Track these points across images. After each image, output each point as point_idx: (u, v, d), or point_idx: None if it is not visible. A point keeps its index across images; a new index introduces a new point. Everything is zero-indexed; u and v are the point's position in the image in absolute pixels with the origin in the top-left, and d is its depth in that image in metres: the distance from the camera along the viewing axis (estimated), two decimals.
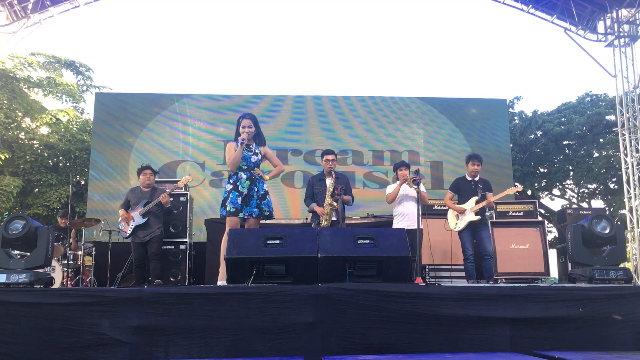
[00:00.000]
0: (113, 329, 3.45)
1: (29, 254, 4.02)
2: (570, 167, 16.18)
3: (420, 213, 5.42)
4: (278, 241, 3.89)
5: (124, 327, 3.45)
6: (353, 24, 38.12)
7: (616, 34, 10.76)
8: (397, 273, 3.93)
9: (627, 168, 10.63)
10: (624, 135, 10.75)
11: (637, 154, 10.53)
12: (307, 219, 6.61)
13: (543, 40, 43.83)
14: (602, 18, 11.03)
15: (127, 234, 6.01)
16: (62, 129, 13.52)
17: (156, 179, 6.69)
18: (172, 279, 6.87)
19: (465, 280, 6.08)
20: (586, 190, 16.92)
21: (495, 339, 3.57)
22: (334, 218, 5.67)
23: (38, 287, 3.82)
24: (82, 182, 12.83)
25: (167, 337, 3.45)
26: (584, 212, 8.23)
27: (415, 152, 10.41)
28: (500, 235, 7.31)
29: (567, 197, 17.63)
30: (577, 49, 11.06)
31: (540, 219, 8.08)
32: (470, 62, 37.08)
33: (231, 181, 4.81)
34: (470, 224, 5.90)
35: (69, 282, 6.52)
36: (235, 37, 37.15)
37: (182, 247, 7.06)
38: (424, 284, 3.98)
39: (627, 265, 10.34)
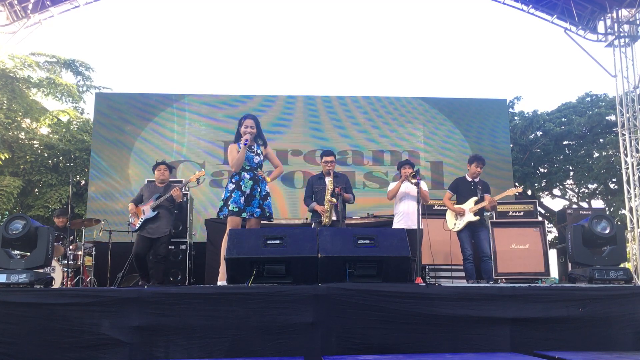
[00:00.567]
0: (113, 329, 3.45)
1: (29, 254, 4.02)
2: (571, 167, 16.19)
3: (420, 213, 5.42)
4: (278, 241, 3.89)
5: (124, 327, 3.45)
6: (353, 24, 38.14)
7: (616, 34, 10.76)
8: (397, 273, 3.94)
9: (627, 168, 10.63)
10: (624, 135, 10.75)
11: (637, 154, 10.53)
12: (307, 219, 6.61)
13: (543, 40, 43.84)
14: (602, 18, 11.03)
15: (136, 227, 5.86)
16: (63, 129, 13.52)
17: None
18: (172, 279, 6.88)
19: (465, 280, 6.08)
20: (586, 190, 16.92)
21: (495, 339, 3.57)
22: (334, 217, 5.67)
23: (38, 287, 3.82)
24: (82, 183, 12.83)
25: (167, 337, 3.45)
26: (584, 212, 8.23)
27: (415, 152, 10.41)
28: (500, 236, 7.31)
29: (567, 197, 17.63)
30: (577, 49, 11.09)
31: (540, 219, 8.08)
32: (470, 62, 37.10)
33: (234, 180, 4.81)
34: (469, 225, 5.90)
35: (69, 282, 6.52)
36: (235, 37, 37.17)
37: (182, 247, 7.07)
38: (424, 284, 3.98)
39: (627, 265, 10.34)
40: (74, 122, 14.18)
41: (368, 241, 3.94)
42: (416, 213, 5.76)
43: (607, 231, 4.15)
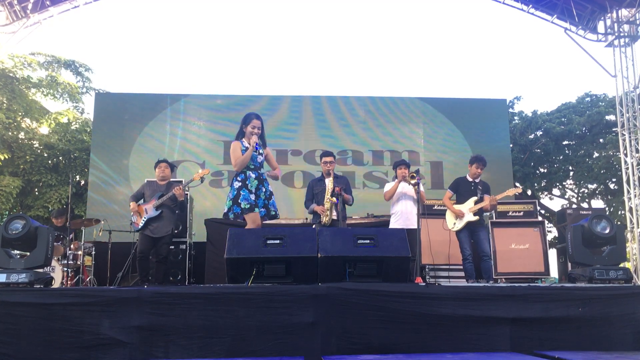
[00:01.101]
0: (113, 328, 3.45)
1: (28, 253, 4.01)
2: (570, 167, 16.19)
3: (420, 212, 5.43)
4: (278, 241, 3.89)
5: (123, 327, 3.45)
6: (353, 24, 38.13)
7: (616, 34, 10.76)
8: (397, 273, 3.94)
9: (627, 168, 10.63)
10: (624, 135, 10.76)
11: (637, 154, 10.53)
12: (307, 219, 6.61)
13: (543, 40, 43.85)
14: (602, 18, 11.03)
15: (139, 227, 5.80)
16: (62, 130, 13.50)
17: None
18: (172, 279, 6.87)
19: (464, 280, 6.08)
20: (586, 190, 16.92)
21: (495, 339, 3.57)
22: (334, 217, 5.67)
23: (38, 287, 3.82)
24: (82, 183, 12.82)
25: (167, 337, 3.45)
26: (584, 212, 8.22)
27: (415, 152, 10.42)
28: (500, 235, 7.31)
29: (567, 197, 17.64)
30: (577, 49, 11.08)
31: (540, 219, 8.08)
32: (470, 62, 37.10)
33: (239, 179, 4.79)
34: (469, 224, 5.90)
35: (68, 282, 6.52)
36: (235, 37, 37.16)
37: (182, 247, 7.06)
38: (424, 284, 3.98)
39: (627, 265, 10.34)
40: (74, 123, 14.18)
41: (368, 241, 3.94)
42: (413, 213, 5.78)
43: (607, 231, 4.15)
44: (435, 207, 7.48)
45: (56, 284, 5.89)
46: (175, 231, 6.30)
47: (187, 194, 7.10)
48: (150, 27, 42.16)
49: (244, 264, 3.80)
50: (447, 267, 6.87)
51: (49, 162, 12.86)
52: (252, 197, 4.72)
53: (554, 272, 8.26)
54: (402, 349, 3.50)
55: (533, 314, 3.61)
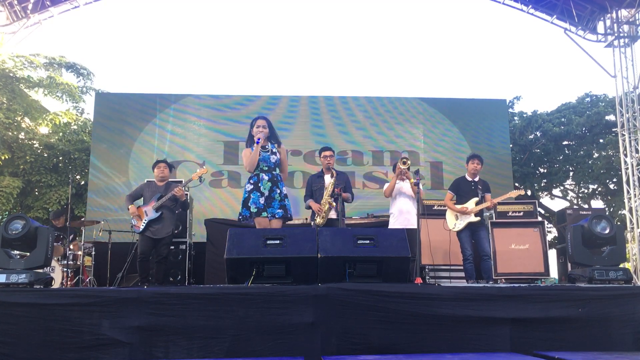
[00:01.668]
0: (113, 329, 3.44)
1: (28, 254, 4.01)
2: (570, 168, 16.19)
3: (419, 213, 5.43)
4: (278, 241, 3.88)
5: (123, 327, 3.45)
6: (353, 24, 38.13)
7: (616, 35, 10.76)
8: (397, 273, 3.94)
9: (627, 168, 10.64)
10: (623, 135, 10.76)
11: (637, 155, 10.54)
12: (307, 219, 6.61)
13: (543, 41, 43.85)
14: (601, 18, 11.04)
15: (140, 229, 5.79)
16: (62, 129, 13.50)
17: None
18: (171, 279, 6.87)
19: (464, 280, 6.09)
20: (586, 191, 16.93)
21: (495, 339, 3.57)
22: (334, 216, 5.67)
23: (38, 287, 3.81)
24: (82, 183, 12.82)
25: (167, 337, 3.45)
26: (584, 213, 8.23)
27: (414, 152, 10.42)
28: (500, 236, 7.31)
29: (567, 197, 17.64)
30: (577, 49, 11.09)
31: (540, 219, 8.09)
32: (470, 62, 37.11)
33: (252, 181, 4.74)
34: (470, 225, 5.91)
35: (68, 282, 6.52)
36: (235, 38, 37.16)
37: (182, 247, 7.06)
38: (424, 284, 3.98)
39: (627, 265, 10.35)
40: (73, 124, 14.17)
41: (368, 241, 3.94)
42: (411, 212, 5.78)
43: (607, 231, 4.15)
44: (435, 207, 7.48)
45: (56, 285, 5.89)
46: (175, 231, 6.29)
47: (187, 194, 7.09)
48: (150, 28, 42.18)
49: (244, 264, 3.80)
50: (448, 267, 6.87)
51: (49, 162, 12.86)
52: (262, 200, 4.65)
53: (553, 273, 8.27)
54: (402, 349, 3.49)
55: (533, 315, 3.61)
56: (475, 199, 5.96)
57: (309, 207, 5.84)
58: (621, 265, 4.26)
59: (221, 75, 36.94)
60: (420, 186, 5.91)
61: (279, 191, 4.75)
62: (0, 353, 3.41)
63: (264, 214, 4.64)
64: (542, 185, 16.81)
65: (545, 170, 16.44)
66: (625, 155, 10.70)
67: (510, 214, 7.77)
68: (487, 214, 6.41)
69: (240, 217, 4.76)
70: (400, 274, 3.96)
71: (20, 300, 3.53)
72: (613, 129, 13.70)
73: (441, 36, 40.65)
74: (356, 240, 3.93)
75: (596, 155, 15.68)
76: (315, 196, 5.83)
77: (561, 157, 16.15)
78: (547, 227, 12.22)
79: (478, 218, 5.90)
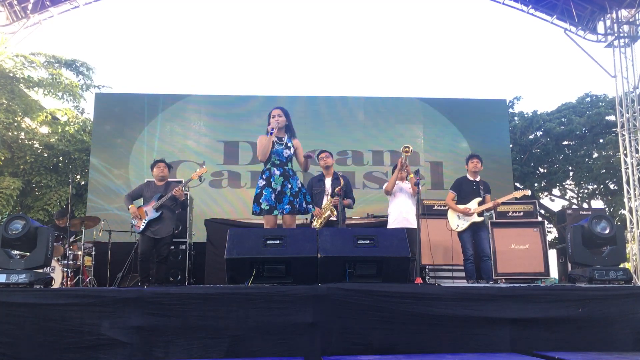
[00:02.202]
0: (113, 329, 3.44)
1: (28, 254, 4.01)
2: (570, 168, 16.19)
3: (419, 213, 5.43)
4: (278, 241, 3.88)
5: (123, 327, 3.45)
6: (353, 24, 38.12)
7: (616, 35, 10.76)
8: (397, 273, 3.94)
9: (627, 168, 10.63)
10: (623, 135, 10.76)
11: (636, 155, 10.54)
12: (307, 219, 6.61)
13: (543, 41, 43.85)
14: (602, 18, 11.04)
15: (140, 229, 5.77)
16: (61, 128, 13.48)
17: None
18: (171, 279, 6.87)
19: (465, 280, 6.08)
20: (586, 191, 16.93)
21: (495, 339, 3.57)
22: (333, 218, 5.67)
23: (38, 287, 3.81)
24: (82, 183, 12.82)
25: (167, 338, 3.45)
26: (584, 213, 8.23)
27: (414, 152, 10.39)
28: (500, 236, 7.30)
29: (567, 197, 17.64)
30: (577, 49, 11.09)
31: (540, 219, 8.09)
32: (470, 62, 37.11)
33: (264, 177, 4.66)
34: (472, 225, 5.90)
35: (68, 282, 6.52)
36: (235, 38, 37.17)
37: (182, 247, 7.06)
38: (424, 284, 3.98)
39: (627, 265, 10.34)
40: (73, 123, 14.16)
41: (368, 241, 3.94)
42: (410, 212, 5.78)
43: (607, 231, 4.15)
44: (436, 208, 7.47)
45: (56, 285, 5.89)
46: (175, 231, 6.29)
47: (187, 194, 7.09)
48: (150, 28, 42.19)
49: (244, 264, 3.80)
50: (448, 267, 6.87)
51: (49, 162, 12.85)
52: (273, 196, 4.56)
53: (553, 273, 8.26)
54: (402, 349, 3.49)
55: (533, 315, 3.61)
56: (478, 199, 5.95)
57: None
58: (621, 265, 4.26)
59: (221, 75, 36.95)
60: (407, 184, 5.93)
61: (290, 186, 4.63)
62: (0, 353, 3.41)
63: (275, 212, 4.55)
64: (542, 185, 16.82)
65: (545, 170, 16.45)
66: (625, 155, 10.70)
67: (510, 214, 7.77)
68: (487, 214, 6.41)
69: (252, 213, 4.67)
70: (400, 274, 3.96)
71: (20, 300, 3.53)
72: (613, 129, 13.70)
73: (441, 36, 40.68)
74: (356, 240, 3.93)
75: (596, 155, 15.69)
76: (315, 200, 5.82)
77: (561, 157, 16.16)
78: (547, 227, 12.22)
79: (481, 218, 5.91)
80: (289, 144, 4.75)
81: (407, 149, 5.74)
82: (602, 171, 15.02)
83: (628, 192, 10.59)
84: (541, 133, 15.83)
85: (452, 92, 34.75)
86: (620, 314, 3.66)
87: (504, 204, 7.59)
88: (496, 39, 42.20)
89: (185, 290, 3.68)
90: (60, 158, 13.18)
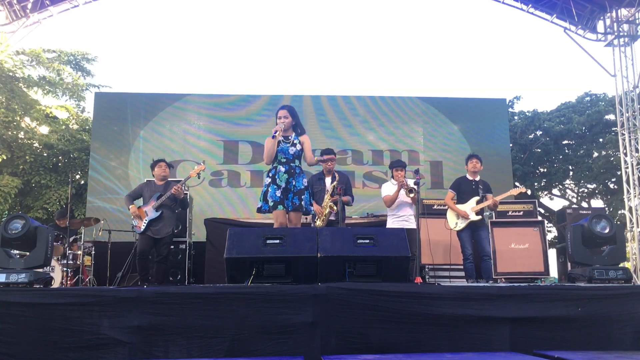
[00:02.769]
0: (113, 328, 3.44)
1: (28, 253, 4.01)
2: (570, 167, 16.19)
3: (419, 212, 5.43)
4: (278, 241, 3.89)
5: (123, 327, 3.45)
6: (353, 24, 38.14)
7: (616, 34, 10.75)
8: (397, 273, 3.94)
9: (627, 168, 10.63)
10: (623, 134, 10.75)
11: (636, 154, 10.53)
12: (306, 218, 6.61)
13: (543, 40, 43.86)
14: (601, 17, 11.02)
15: (142, 229, 5.77)
16: (61, 127, 13.48)
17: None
18: (171, 279, 6.87)
19: (464, 280, 6.08)
20: (586, 190, 16.93)
21: (495, 339, 3.57)
22: (332, 218, 5.67)
23: (37, 286, 3.81)
24: (82, 182, 12.81)
25: (166, 337, 3.45)
26: (584, 212, 8.22)
27: (414, 151, 10.42)
28: (500, 235, 7.30)
29: (566, 196, 17.64)
30: (577, 48, 11.07)
31: (539, 218, 8.08)
32: (470, 62, 37.11)
33: (270, 174, 4.69)
34: (470, 224, 5.90)
35: (68, 282, 6.52)
36: (235, 37, 37.15)
37: (181, 246, 7.06)
38: (423, 284, 3.98)
39: (627, 264, 10.34)
40: (73, 120, 14.15)
41: (367, 241, 3.94)
42: (411, 215, 5.78)
43: (607, 231, 4.15)
44: (435, 207, 7.47)
45: (56, 284, 5.89)
46: (175, 231, 6.29)
47: (186, 193, 7.09)
48: (149, 27, 42.17)
49: (244, 263, 3.80)
50: (448, 266, 6.87)
51: (49, 162, 12.84)
52: (279, 193, 4.58)
53: (553, 272, 8.27)
54: (402, 349, 3.49)
55: (533, 314, 3.61)
56: (476, 198, 5.95)
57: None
58: (621, 265, 4.26)
59: (221, 75, 36.94)
60: (420, 186, 5.93)
61: (294, 183, 4.65)
62: (0, 353, 3.41)
63: (280, 207, 4.57)
64: (542, 184, 16.82)
65: (545, 170, 16.44)
66: (625, 155, 10.69)
67: (510, 213, 7.77)
68: (487, 213, 6.41)
69: (261, 211, 4.69)
70: (400, 274, 3.96)
71: (20, 300, 3.53)
72: (613, 128, 13.70)
73: (441, 36, 40.67)
74: (356, 240, 3.93)
75: (596, 154, 15.68)
76: (315, 198, 5.82)
77: (561, 157, 16.16)
78: (547, 227, 12.23)
79: (479, 217, 5.90)
80: (295, 141, 4.74)
81: (412, 189, 5.69)
82: (602, 170, 15.02)
83: (628, 191, 10.59)
84: (541, 132, 15.82)
85: (452, 91, 34.79)
86: (620, 314, 3.66)
87: (503, 203, 7.62)
88: (496, 38, 42.21)
89: (185, 289, 3.68)
90: (60, 157, 13.17)
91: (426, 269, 6.92)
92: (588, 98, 16.31)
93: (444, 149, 10.48)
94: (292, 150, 4.71)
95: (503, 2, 11.11)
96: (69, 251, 6.69)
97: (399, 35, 38.43)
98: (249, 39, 39.28)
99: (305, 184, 4.77)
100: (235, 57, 39.65)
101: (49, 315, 3.48)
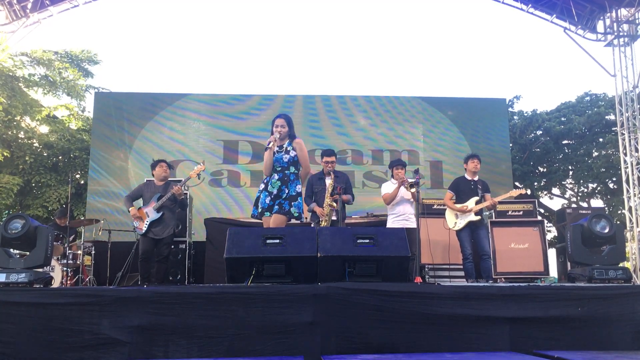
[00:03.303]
0: (112, 328, 3.44)
1: (28, 253, 4.01)
2: (570, 167, 16.19)
3: (419, 212, 5.43)
4: (278, 241, 3.88)
5: (123, 326, 3.45)
6: (353, 24, 38.14)
7: (615, 34, 10.75)
8: (397, 272, 3.94)
9: (627, 167, 10.63)
10: (623, 134, 10.76)
11: (636, 154, 10.53)
12: (306, 218, 6.61)
13: (543, 40, 43.87)
14: (601, 17, 11.03)
15: (143, 231, 5.78)
16: (62, 127, 13.48)
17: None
18: (171, 279, 6.87)
19: (464, 279, 6.09)
20: (585, 190, 16.92)
21: (494, 339, 3.57)
22: (333, 218, 5.67)
23: (37, 286, 3.81)
24: (82, 182, 12.82)
25: (166, 337, 3.45)
26: (584, 212, 8.22)
27: (414, 151, 10.42)
28: (500, 235, 7.30)
29: (566, 196, 17.64)
30: (577, 48, 11.07)
31: (539, 218, 8.08)
32: (470, 61, 37.11)
33: (264, 181, 4.78)
34: (470, 224, 5.90)
35: (68, 282, 6.52)
36: (235, 37, 37.14)
37: (182, 246, 7.06)
38: (423, 283, 3.98)
39: (627, 264, 10.34)
40: (75, 118, 14.14)
41: (367, 241, 3.94)
42: (412, 214, 5.78)
43: (607, 230, 4.15)
44: (435, 207, 7.47)
45: (56, 284, 5.89)
46: (176, 231, 6.29)
47: (186, 194, 7.09)
48: (149, 27, 42.16)
49: (244, 263, 3.80)
50: (447, 266, 6.87)
51: (49, 161, 12.84)
52: (268, 200, 4.66)
53: (553, 272, 8.26)
54: (402, 349, 3.50)
55: (533, 314, 3.61)
56: (476, 198, 5.95)
57: (312, 211, 5.82)
58: (621, 265, 4.26)
59: (221, 75, 36.94)
60: (419, 187, 5.93)
61: (287, 191, 4.69)
62: (0, 353, 3.41)
63: (267, 213, 4.65)
64: (542, 184, 16.82)
65: (544, 170, 16.44)
66: (625, 154, 10.69)
67: (509, 213, 7.76)
68: (487, 213, 6.41)
69: (252, 215, 4.85)
70: (400, 273, 3.96)
71: (20, 300, 3.53)
72: (613, 128, 13.70)
73: (441, 35, 40.66)
74: (356, 240, 3.93)
75: (596, 154, 15.68)
76: (316, 198, 5.83)
77: (561, 156, 16.16)
78: (547, 227, 12.23)
79: (478, 217, 5.90)
80: (289, 148, 4.78)
81: (412, 184, 5.69)
82: (601, 170, 15.01)
83: (628, 191, 10.59)
84: (541, 132, 15.82)
85: (452, 91, 34.78)
86: (620, 313, 3.66)
87: (503, 203, 7.61)
88: (496, 38, 42.21)
89: (184, 289, 3.68)
90: (60, 157, 13.17)
91: (426, 269, 6.92)
92: (588, 98, 16.31)
93: (443, 149, 10.49)
94: (285, 157, 4.75)
95: (503, 2, 11.11)
96: (69, 251, 6.69)
97: (399, 35, 38.45)
98: (249, 39, 39.29)
99: (299, 190, 4.80)
100: (235, 57, 39.66)
101: (49, 315, 3.48)
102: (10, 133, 12.44)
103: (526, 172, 15.42)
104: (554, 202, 17.70)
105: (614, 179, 15.03)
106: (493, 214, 7.52)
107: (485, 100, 11.12)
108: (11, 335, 3.45)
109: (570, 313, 3.64)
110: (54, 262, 6.35)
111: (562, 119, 15.86)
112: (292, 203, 4.69)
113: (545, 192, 17.47)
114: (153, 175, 6.13)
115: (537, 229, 7.35)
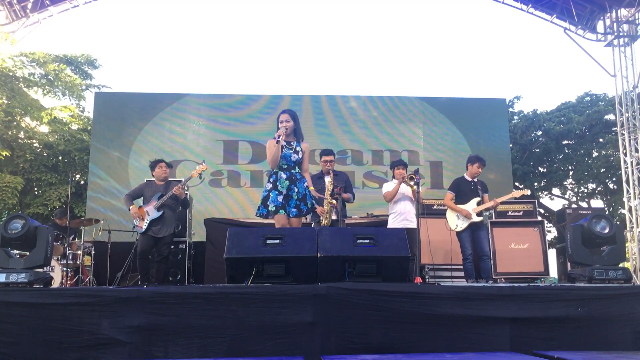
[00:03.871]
0: (112, 328, 3.44)
1: (28, 253, 4.01)
2: (570, 167, 16.19)
3: (419, 212, 5.43)
4: (278, 241, 3.88)
5: (123, 326, 3.45)
6: (353, 24, 38.14)
7: (615, 34, 10.76)
8: (397, 273, 3.94)
9: (627, 168, 10.64)
10: (623, 134, 10.76)
11: (636, 154, 10.54)
12: (306, 218, 6.61)
13: (543, 40, 43.83)
14: (601, 18, 11.04)
15: (143, 229, 5.77)
16: (63, 127, 13.48)
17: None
18: (171, 279, 6.87)
19: (464, 280, 6.09)
20: (586, 190, 16.92)
21: (494, 339, 3.57)
22: (334, 217, 5.67)
23: (37, 286, 3.81)
24: (82, 182, 12.82)
25: (166, 337, 3.45)
26: (584, 212, 8.22)
27: (414, 151, 10.43)
28: (500, 235, 7.29)
29: (566, 196, 17.64)
30: (577, 48, 11.09)
31: (539, 218, 8.08)
32: (470, 62, 37.08)
33: (271, 180, 4.68)
34: (471, 225, 5.90)
35: (68, 282, 6.52)
36: (235, 37, 37.14)
37: (181, 246, 7.06)
38: (423, 284, 3.98)
39: (627, 265, 10.35)
40: (75, 119, 14.14)
41: (367, 241, 3.94)
42: (412, 213, 5.79)
43: (607, 231, 4.15)
44: (435, 207, 7.47)
45: (55, 284, 5.89)
46: (176, 230, 6.29)
47: (187, 193, 7.09)
48: (150, 27, 42.15)
49: (244, 263, 3.80)
50: (447, 266, 6.87)
51: (49, 161, 12.85)
52: (280, 198, 4.57)
53: (553, 272, 8.26)
54: (402, 349, 3.49)
55: (533, 314, 3.61)
56: (477, 199, 5.96)
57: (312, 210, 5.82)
58: (621, 265, 4.26)
59: (221, 75, 36.93)
60: (420, 187, 5.93)
61: (296, 190, 4.63)
62: (0, 353, 3.41)
63: (282, 211, 4.55)
64: (542, 184, 16.82)
65: (545, 170, 16.44)
66: (625, 155, 10.70)
67: (509, 213, 7.75)
68: (487, 213, 6.41)
69: (257, 215, 4.69)
70: (400, 274, 3.96)
71: (20, 300, 3.53)
72: (613, 128, 13.70)
73: (441, 36, 40.65)
74: (356, 240, 3.93)
75: (596, 154, 15.67)
76: (316, 198, 5.82)
77: (561, 156, 16.16)
78: (547, 227, 12.23)
79: (480, 218, 5.91)
80: (298, 148, 4.73)
81: (412, 176, 5.69)
82: (601, 170, 15.01)
83: (628, 191, 10.59)
84: (541, 132, 15.82)
85: (452, 91, 34.78)
86: (620, 314, 3.66)
87: (503, 203, 7.60)
88: (496, 38, 42.20)
89: (184, 289, 3.69)
90: (60, 157, 13.17)
91: (426, 269, 6.92)
92: (588, 98, 16.30)
93: (443, 149, 10.49)
94: (294, 157, 4.69)
95: (503, 2, 11.12)
96: (69, 251, 6.69)
97: (399, 35, 38.44)
98: (249, 39, 39.28)
99: (306, 186, 4.76)
100: (235, 57, 39.66)
101: (49, 315, 3.48)
102: (10, 133, 12.44)
103: (526, 172, 15.42)
104: (554, 203, 17.71)
105: (614, 179, 15.02)
106: (493, 214, 7.52)
107: (485, 100, 11.13)
108: (11, 335, 3.45)
109: (570, 313, 3.64)
110: (54, 262, 6.35)
111: (562, 119, 15.85)
112: (305, 201, 4.67)
113: (545, 193, 17.47)
114: (153, 175, 6.14)
115: (537, 229, 7.34)
